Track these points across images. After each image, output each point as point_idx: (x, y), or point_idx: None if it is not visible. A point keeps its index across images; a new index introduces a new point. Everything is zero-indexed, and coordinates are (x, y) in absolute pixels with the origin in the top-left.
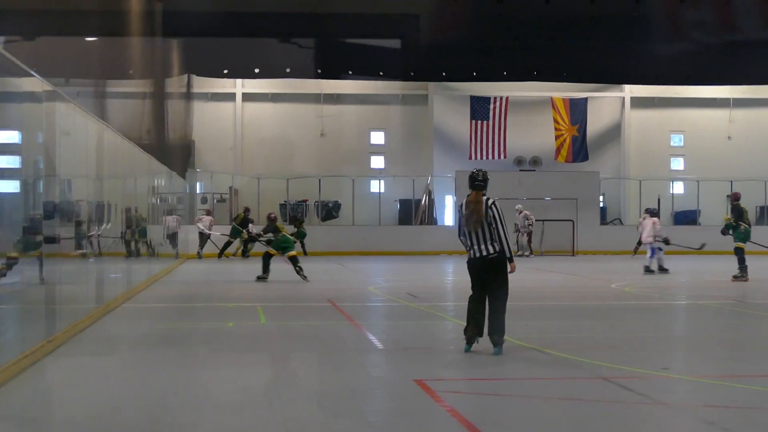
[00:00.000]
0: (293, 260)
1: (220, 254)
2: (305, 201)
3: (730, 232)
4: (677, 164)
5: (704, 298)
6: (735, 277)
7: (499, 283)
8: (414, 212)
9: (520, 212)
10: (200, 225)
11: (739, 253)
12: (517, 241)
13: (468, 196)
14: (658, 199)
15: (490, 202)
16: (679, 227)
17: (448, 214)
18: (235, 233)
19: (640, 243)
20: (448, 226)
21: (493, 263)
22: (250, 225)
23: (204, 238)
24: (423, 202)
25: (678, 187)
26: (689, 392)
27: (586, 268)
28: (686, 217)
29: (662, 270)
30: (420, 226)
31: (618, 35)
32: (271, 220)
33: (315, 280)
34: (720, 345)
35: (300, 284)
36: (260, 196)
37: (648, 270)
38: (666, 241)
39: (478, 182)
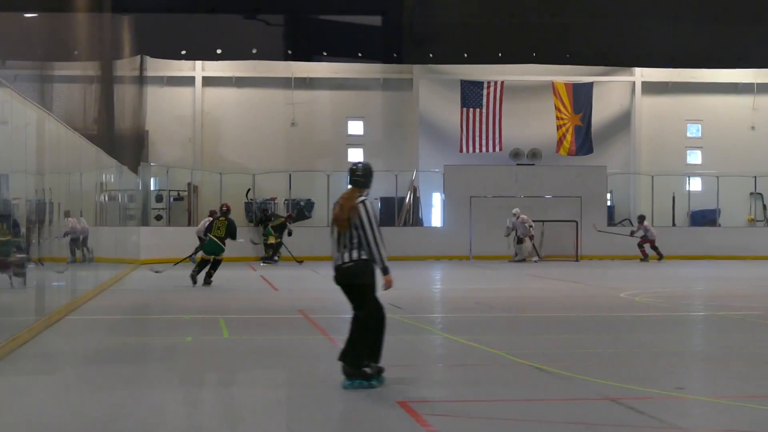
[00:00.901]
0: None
1: (267, 260)
2: (273, 199)
3: None
4: (694, 157)
5: (724, 309)
6: None
7: (354, 300)
8: (397, 212)
9: (518, 217)
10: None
11: None
12: (516, 246)
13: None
14: (673, 198)
15: (359, 200)
16: (696, 229)
17: (436, 214)
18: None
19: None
20: (437, 228)
21: (347, 274)
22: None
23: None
24: (407, 200)
25: (695, 184)
26: (706, 415)
27: (591, 275)
28: (704, 218)
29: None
30: (404, 228)
31: (627, 11)
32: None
33: (285, 288)
34: (741, 361)
35: (268, 294)
36: (223, 193)
37: None
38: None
39: (356, 177)
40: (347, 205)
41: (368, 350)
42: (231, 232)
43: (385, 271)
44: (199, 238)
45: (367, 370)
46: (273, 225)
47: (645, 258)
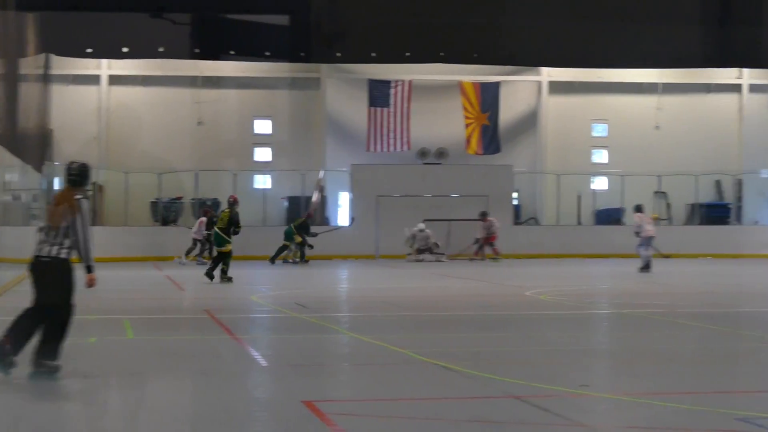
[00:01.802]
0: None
1: (273, 259)
2: (180, 198)
3: None
4: (600, 157)
5: (628, 307)
6: None
7: (41, 293)
8: (304, 211)
9: (422, 231)
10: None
11: None
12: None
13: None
14: (578, 197)
15: (76, 198)
16: (601, 227)
17: (343, 213)
18: (288, 236)
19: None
20: (343, 227)
21: (42, 268)
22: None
23: (202, 243)
24: (314, 199)
25: (600, 183)
26: (610, 412)
27: (497, 274)
28: (609, 216)
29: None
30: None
31: (533, 11)
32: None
33: (191, 288)
34: (644, 359)
35: (174, 294)
36: (129, 193)
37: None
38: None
39: (71, 177)
40: (62, 202)
41: (51, 346)
42: (233, 224)
43: (90, 269)
44: (193, 239)
45: (50, 363)
46: (295, 225)
47: (483, 258)
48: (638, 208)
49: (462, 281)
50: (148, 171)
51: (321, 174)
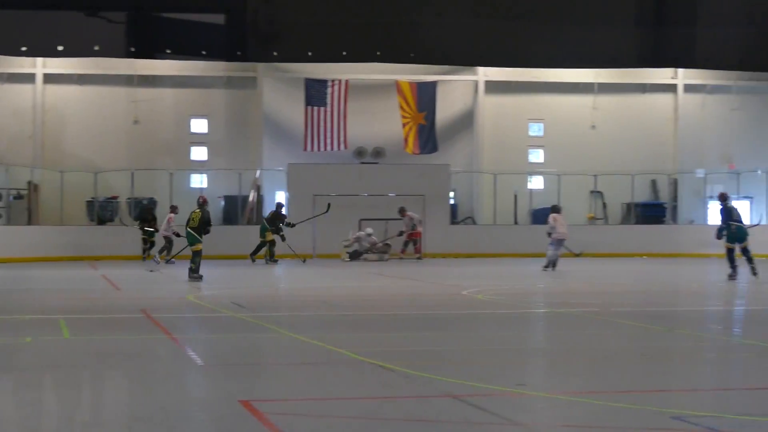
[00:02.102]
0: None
1: (252, 255)
2: (115, 198)
3: (724, 233)
4: (536, 156)
5: (564, 306)
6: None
7: None
8: (241, 210)
9: (369, 236)
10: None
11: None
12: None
13: None
14: (515, 196)
15: None
16: (537, 226)
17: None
18: (263, 231)
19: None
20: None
21: None
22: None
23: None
24: (251, 198)
25: (537, 182)
26: (546, 410)
27: (434, 273)
28: (546, 215)
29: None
30: (247, 226)
31: (470, 11)
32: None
33: (127, 288)
34: (580, 358)
35: (110, 294)
36: (64, 192)
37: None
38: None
39: None
40: None
41: None
42: (205, 223)
43: None
44: (165, 237)
45: None
46: (266, 218)
47: (420, 257)
48: (555, 209)
49: (399, 281)
50: (83, 170)
51: (258, 173)
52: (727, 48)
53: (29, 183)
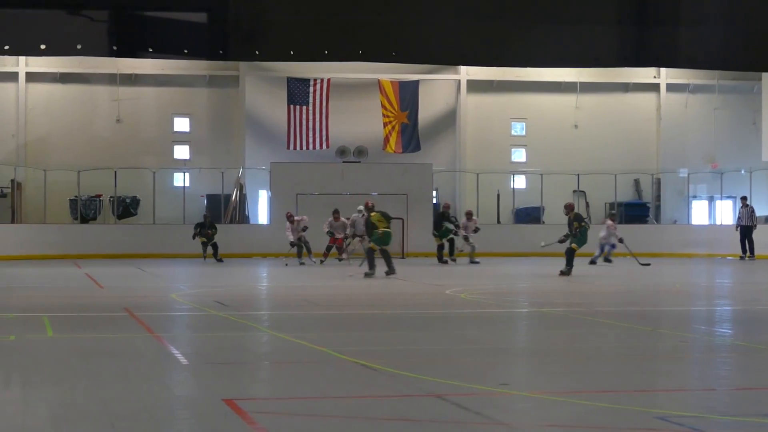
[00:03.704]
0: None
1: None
2: (99, 196)
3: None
4: (519, 155)
5: (547, 305)
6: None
7: None
8: (223, 209)
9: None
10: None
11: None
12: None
13: None
14: (498, 195)
15: None
16: (520, 226)
17: (262, 211)
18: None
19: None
20: (263, 225)
21: None
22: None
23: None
24: (233, 197)
25: (519, 181)
26: (530, 410)
27: (417, 272)
28: (528, 215)
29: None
30: (230, 225)
31: (452, 10)
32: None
33: (110, 286)
34: (563, 357)
35: (94, 292)
36: (47, 191)
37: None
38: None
39: None
40: None
41: None
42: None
43: None
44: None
45: None
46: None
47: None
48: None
49: (383, 279)
50: (66, 168)
51: (240, 172)
52: (709, 47)
53: (12, 181)
